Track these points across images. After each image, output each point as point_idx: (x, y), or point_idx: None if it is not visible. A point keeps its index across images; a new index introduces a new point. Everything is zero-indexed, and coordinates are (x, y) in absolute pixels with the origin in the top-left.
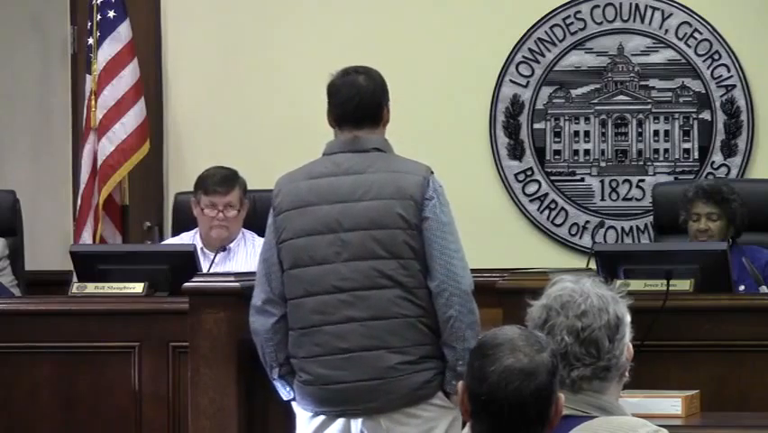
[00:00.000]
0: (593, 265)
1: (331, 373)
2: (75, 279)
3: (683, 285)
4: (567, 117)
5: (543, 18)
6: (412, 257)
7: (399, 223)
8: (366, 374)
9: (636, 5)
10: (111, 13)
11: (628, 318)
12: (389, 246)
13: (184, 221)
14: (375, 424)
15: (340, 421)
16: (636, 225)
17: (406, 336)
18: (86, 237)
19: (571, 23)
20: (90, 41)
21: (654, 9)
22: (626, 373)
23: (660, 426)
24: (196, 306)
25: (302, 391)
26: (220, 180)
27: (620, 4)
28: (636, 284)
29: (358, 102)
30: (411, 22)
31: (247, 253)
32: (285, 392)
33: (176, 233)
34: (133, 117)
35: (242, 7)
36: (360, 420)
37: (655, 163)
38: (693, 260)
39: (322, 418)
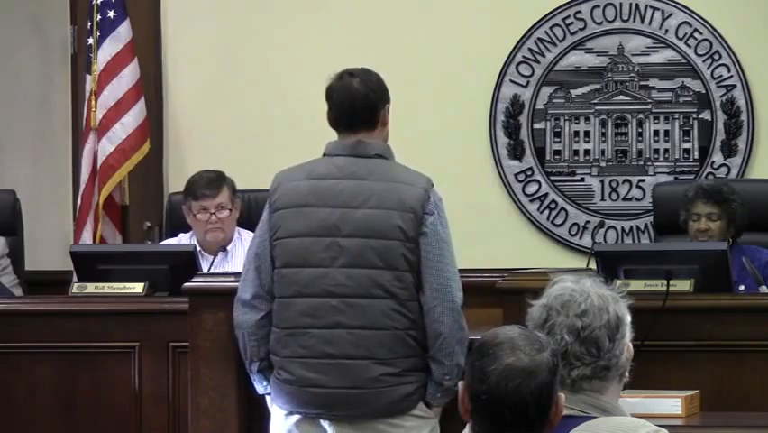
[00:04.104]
0: (593, 265)
1: (313, 376)
2: (75, 279)
3: (683, 285)
4: (567, 117)
5: (543, 18)
6: (407, 269)
7: (398, 235)
8: (349, 382)
9: (636, 5)
10: (111, 13)
11: (628, 318)
12: (386, 257)
13: (178, 221)
14: (351, 432)
15: (314, 423)
16: (636, 225)
17: (394, 349)
18: (86, 237)
19: (571, 23)
20: (90, 41)
21: (654, 9)
22: (627, 374)
23: (660, 426)
24: (196, 306)
25: (279, 390)
26: (207, 184)
27: (620, 4)
28: (636, 284)
29: (349, 106)
30: (411, 22)
31: (245, 253)
32: (261, 387)
33: (171, 233)
34: (133, 117)
35: (242, 7)
36: (335, 426)
37: (655, 163)
38: (693, 260)
39: (297, 417)
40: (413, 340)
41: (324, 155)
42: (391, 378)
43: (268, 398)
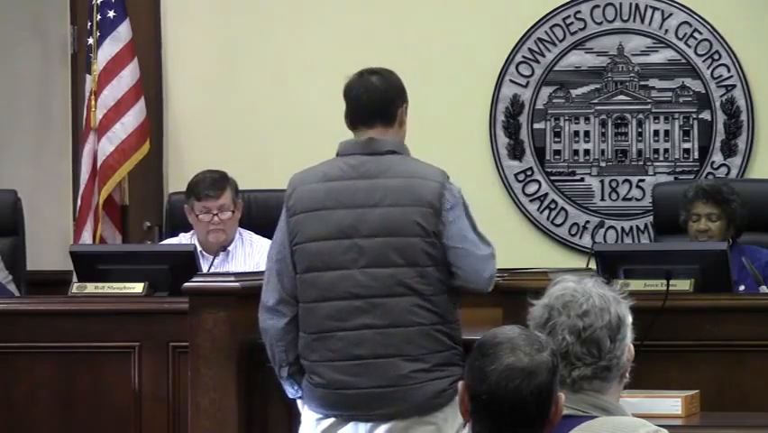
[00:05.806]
0: (593, 265)
1: (345, 379)
2: (75, 279)
3: (683, 285)
4: (567, 117)
5: (543, 18)
6: (429, 264)
7: (417, 231)
8: (380, 381)
9: (636, 5)
10: (111, 13)
11: (630, 319)
12: (407, 254)
13: (178, 221)
14: (387, 430)
15: (349, 425)
16: (636, 225)
17: (422, 345)
18: (86, 237)
19: (571, 23)
20: (90, 41)
21: (654, 9)
22: (627, 375)
23: (660, 426)
24: (196, 306)
25: (312, 393)
26: (210, 184)
27: (620, 4)
28: (636, 284)
29: (367, 101)
30: (411, 22)
31: (245, 254)
32: (292, 391)
33: (170, 233)
34: (133, 117)
35: (242, 7)
36: (369, 425)
37: (655, 163)
38: (693, 260)
39: (331, 420)
40: (441, 335)
41: (337, 155)
42: (422, 374)
43: (299, 401)
